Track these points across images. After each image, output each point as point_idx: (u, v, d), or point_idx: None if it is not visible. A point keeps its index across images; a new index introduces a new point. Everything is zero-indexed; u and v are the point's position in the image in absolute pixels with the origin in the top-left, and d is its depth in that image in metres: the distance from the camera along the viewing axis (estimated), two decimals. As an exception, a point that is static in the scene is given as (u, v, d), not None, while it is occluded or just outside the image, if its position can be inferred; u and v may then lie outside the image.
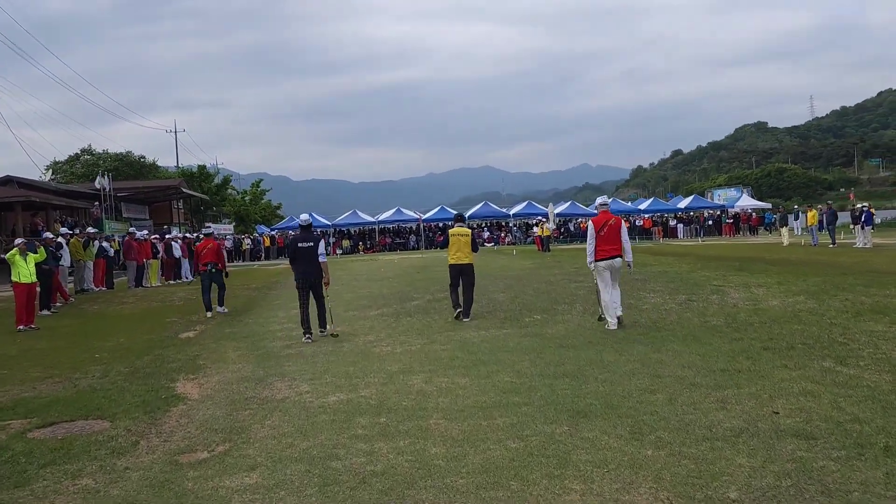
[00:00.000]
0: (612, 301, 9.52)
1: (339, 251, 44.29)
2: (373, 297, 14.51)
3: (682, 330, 8.65)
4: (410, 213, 49.37)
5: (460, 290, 11.01)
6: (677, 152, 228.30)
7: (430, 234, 48.43)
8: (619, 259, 9.68)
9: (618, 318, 9.34)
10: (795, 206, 44.43)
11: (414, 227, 49.41)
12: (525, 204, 51.88)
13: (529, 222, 47.49)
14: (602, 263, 9.67)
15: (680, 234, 46.73)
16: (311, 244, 10.07)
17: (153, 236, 23.47)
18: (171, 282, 22.18)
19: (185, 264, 23.28)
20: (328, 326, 10.04)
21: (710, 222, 47.83)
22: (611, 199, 55.78)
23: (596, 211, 10.69)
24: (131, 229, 21.53)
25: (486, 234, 48.77)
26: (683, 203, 52.87)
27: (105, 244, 19.81)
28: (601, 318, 9.73)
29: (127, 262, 19.91)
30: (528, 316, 10.50)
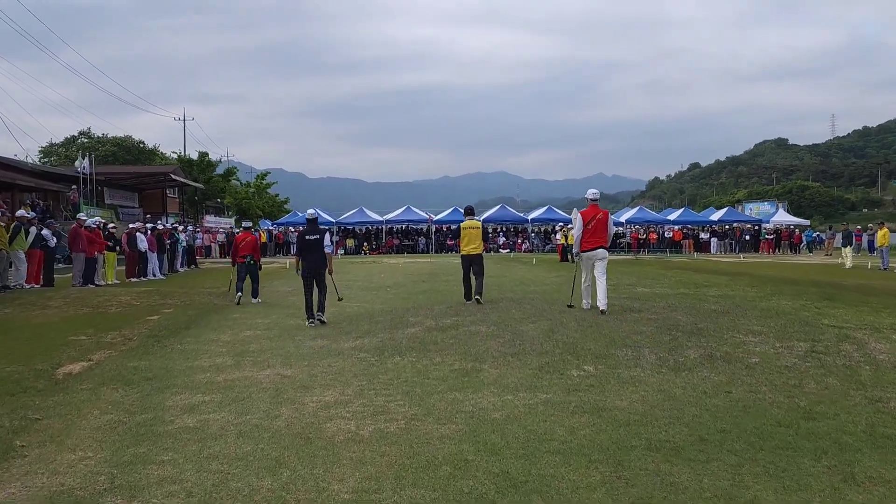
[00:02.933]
0: (599, 293, 10.16)
1: (340, 252, 40.99)
2: (357, 316, 11.07)
3: (859, 424, 5.06)
4: (421, 213, 45.90)
5: (472, 280, 11.87)
6: (695, 165, 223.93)
7: (441, 237, 45.01)
8: (602, 250, 10.39)
9: (602, 311, 9.93)
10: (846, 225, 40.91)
11: (424, 229, 45.99)
12: (544, 209, 48.23)
13: (550, 229, 44.03)
14: (587, 254, 10.41)
15: (713, 249, 42.82)
16: (318, 237, 10.92)
17: (139, 225, 20.34)
18: (134, 279, 18.85)
19: (154, 259, 19.99)
20: (321, 315, 10.60)
21: (748, 237, 43.66)
22: (636, 208, 52.65)
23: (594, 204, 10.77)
24: (81, 216, 18.11)
25: (502, 240, 45.24)
26: (716, 215, 48.64)
27: (46, 232, 16.36)
28: (570, 306, 10.72)
29: (73, 255, 16.48)
30: (575, 366, 6.91)
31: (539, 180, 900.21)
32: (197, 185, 44.27)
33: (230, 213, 55.42)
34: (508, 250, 42.85)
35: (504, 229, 47.91)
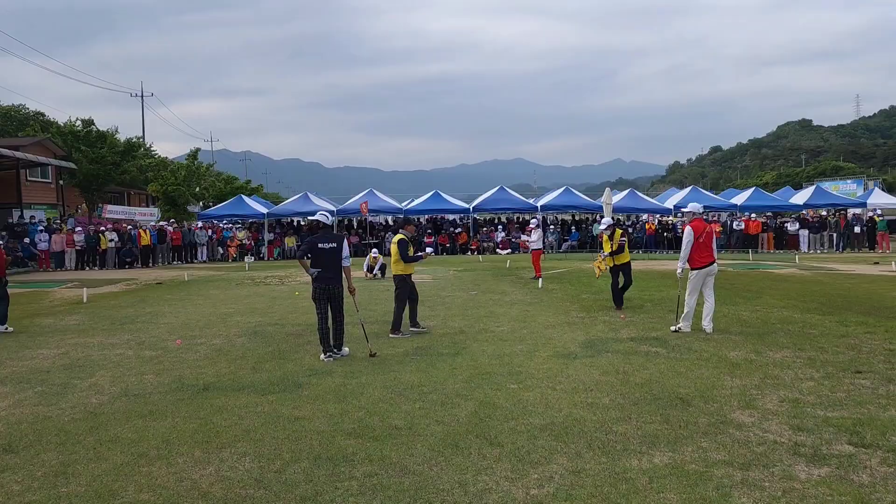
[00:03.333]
0: (708, 313, 10.03)
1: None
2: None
3: None
4: (455, 201, 35.86)
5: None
6: (716, 149, 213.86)
7: (417, 235, 33.07)
8: (715, 265, 10.26)
9: (708, 332, 9.84)
10: None
11: (391, 223, 34.46)
12: (560, 191, 36.41)
13: (522, 222, 32.80)
14: (703, 270, 10.11)
15: (804, 246, 31.25)
16: (334, 245, 8.89)
17: None
18: None
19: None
20: (344, 349, 8.96)
21: (858, 229, 31.19)
22: (689, 189, 40.49)
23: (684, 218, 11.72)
24: None
25: (501, 236, 33.21)
26: (801, 197, 36.31)
27: None
28: (677, 330, 10.07)
29: None
30: None
31: (556, 167, 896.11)
32: (65, 164, 32.60)
33: (158, 202, 43.59)
34: (510, 251, 30.76)
35: (504, 221, 35.93)
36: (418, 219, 36.42)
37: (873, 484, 4.37)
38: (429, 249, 12.34)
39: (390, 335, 10.23)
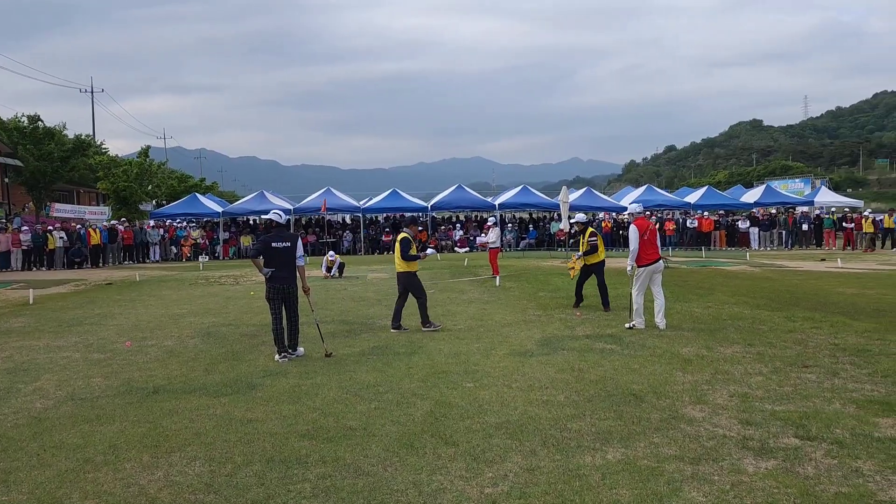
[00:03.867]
0: (660, 309, 10.24)
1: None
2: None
3: None
4: (412, 199, 35.92)
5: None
6: (671, 148, 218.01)
7: (375, 233, 32.98)
8: (661, 262, 10.54)
9: (661, 329, 10.06)
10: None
11: (349, 221, 34.18)
12: (518, 190, 36.49)
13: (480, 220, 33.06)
14: (649, 268, 10.26)
15: (754, 243, 31.96)
16: (288, 244, 8.75)
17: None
18: None
19: None
20: (299, 349, 8.85)
21: (806, 227, 31.92)
22: (644, 187, 40.92)
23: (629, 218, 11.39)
24: None
25: (459, 235, 33.27)
26: (752, 196, 37.15)
27: None
28: (632, 327, 10.18)
29: None
30: None
31: (515, 165, 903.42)
32: (11, 161, 31.72)
33: (109, 201, 42.62)
34: (468, 249, 30.85)
35: (462, 219, 36.03)
36: (375, 217, 36.28)
37: (818, 476, 4.48)
38: (430, 251, 12.35)
39: (423, 329, 10.48)
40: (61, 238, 27.19)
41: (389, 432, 5.54)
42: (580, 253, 12.73)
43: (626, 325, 10.28)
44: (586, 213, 35.88)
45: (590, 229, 13.01)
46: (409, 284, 10.76)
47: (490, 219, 22.16)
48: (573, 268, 13.33)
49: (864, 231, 28.89)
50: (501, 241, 22.74)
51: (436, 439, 5.34)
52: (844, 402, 6.09)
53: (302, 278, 8.91)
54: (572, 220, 13.35)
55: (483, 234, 32.72)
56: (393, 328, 10.60)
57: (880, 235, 30.61)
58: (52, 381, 7.64)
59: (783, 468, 4.62)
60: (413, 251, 10.67)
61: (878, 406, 5.95)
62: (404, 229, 11.16)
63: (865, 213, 30.44)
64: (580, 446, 5.12)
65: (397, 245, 10.91)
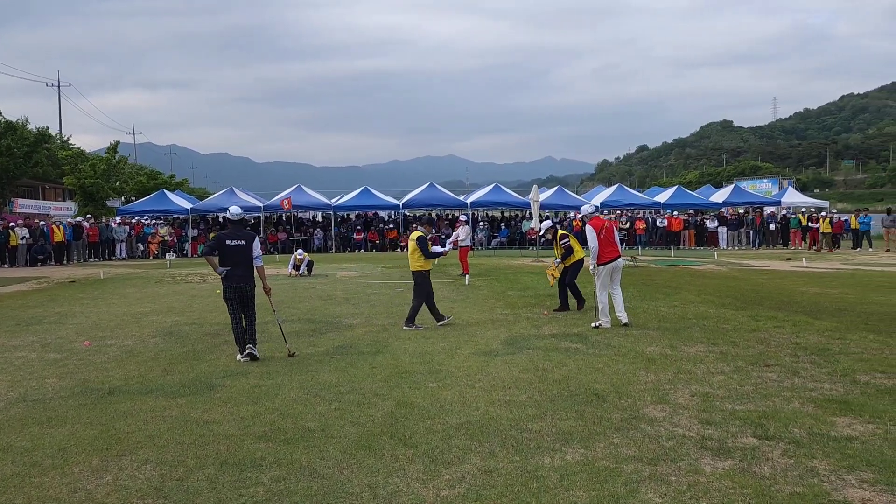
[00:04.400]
0: (620, 306, 10.33)
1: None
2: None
3: None
4: (385, 197, 35.26)
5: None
6: (643, 147, 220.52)
7: (346, 231, 32.80)
8: (621, 259, 10.58)
9: (625, 323, 10.22)
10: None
11: (320, 219, 33.96)
12: (490, 188, 36.42)
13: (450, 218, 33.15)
14: (609, 266, 10.32)
15: (722, 243, 32.29)
16: (243, 243, 8.53)
17: None
18: None
19: None
20: (253, 348, 8.49)
21: (773, 226, 32.05)
22: (615, 187, 41.15)
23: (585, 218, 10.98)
24: None
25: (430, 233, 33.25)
26: (720, 195, 37.37)
27: None
28: (598, 326, 10.20)
29: None
30: None
31: (489, 164, 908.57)
32: None
33: (76, 196, 41.91)
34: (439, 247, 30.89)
35: (435, 217, 36.04)
36: (347, 215, 36.07)
37: (774, 476, 4.49)
38: (448, 246, 12.38)
39: (404, 327, 10.40)
40: (24, 236, 26.61)
41: (348, 433, 5.47)
42: (558, 259, 12.46)
43: (593, 325, 10.29)
44: (552, 214, 36.18)
45: (560, 231, 12.88)
46: (420, 283, 10.85)
47: (462, 216, 22.13)
48: (553, 275, 12.94)
49: (822, 231, 29.30)
50: (472, 239, 22.71)
51: (395, 441, 5.28)
52: (803, 402, 6.14)
53: (262, 278, 8.69)
54: (541, 233, 13.27)
55: (455, 234, 32.70)
56: (441, 322, 10.69)
57: (847, 235, 31.16)
58: (4, 382, 7.45)
59: (740, 468, 4.63)
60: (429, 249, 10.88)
61: (836, 405, 6.01)
62: (420, 228, 11.31)
63: (822, 214, 30.95)
64: (539, 447, 5.09)
65: (413, 244, 10.94)
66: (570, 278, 12.33)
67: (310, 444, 5.25)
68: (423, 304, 10.79)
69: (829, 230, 29.25)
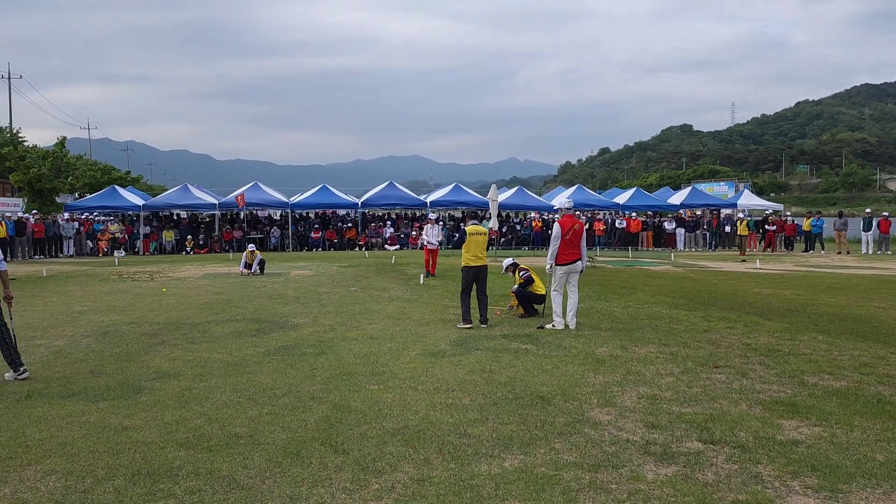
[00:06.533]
0: (572, 309, 10.07)
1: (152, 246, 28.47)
2: None
3: None
4: (344, 196, 35.09)
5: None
6: (605, 150, 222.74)
7: (304, 230, 32.31)
8: (580, 262, 10.23)
9: (573, 327, 9.99)
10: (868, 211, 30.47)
11: (277, 217, 33.35)
12: (451, 188, 36.18)
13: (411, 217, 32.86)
14: (566, 267, 10.11)
15: (680, 244, 32.59)
16: None
17: None
18: None
19: None
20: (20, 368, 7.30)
21: (728, 228, 32.43)
22: (575, 187, 41.24)
23: (558, 215, 10.72)
24: None
25: (389, 232, 32.91)
26: (678, 198, 37.41)
27: None
28: (541, 328, 10.09)
29: None
30: None
31: (452, 164, 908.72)
32: None
33: (24, 192, 40.69)
34: (398, 247, 30.61)
35: (393, 216, 35.74)
36: (305, 213, 35.50)
37: (717, 482, 4.31)
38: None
39: (482, 325, 10.44)
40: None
41: (277, 440, 5.15)
42: (515, 286, 11.89)
43: (546, 326, 10.14)
44: (512, 214, 36.08)
45: (519, 267, 12.24)
46: (485, 278, 10.87)
47: (431, 215, 21.87)
48: (512, 305, 12.16)
49: (739, 233, 29.92)
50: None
51: (325, 447, 4.98)
52: (751, 404, 6.01)
53: (5, 284, 7.70)
54: (503, 271, 12.78)
55: (415, 232, 32.45)
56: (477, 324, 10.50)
57: (800, 238, 31.69)
58: (-86, 386, 6.96)
59: (683, 474, 4.44)
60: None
61: (784, 407, 5.89)
62: (481, 224, 11.44)
63: (740, 216, 31.62)
64: (477, 453, 4.84)
65: (483, 238, 10.89)
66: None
67: (234, 451, 4.92)
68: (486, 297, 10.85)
69: (746, 232, 29.73)
